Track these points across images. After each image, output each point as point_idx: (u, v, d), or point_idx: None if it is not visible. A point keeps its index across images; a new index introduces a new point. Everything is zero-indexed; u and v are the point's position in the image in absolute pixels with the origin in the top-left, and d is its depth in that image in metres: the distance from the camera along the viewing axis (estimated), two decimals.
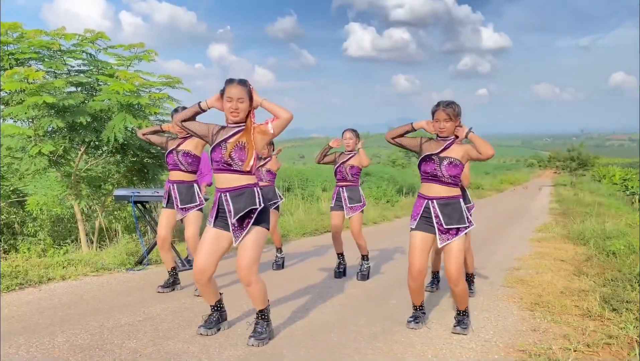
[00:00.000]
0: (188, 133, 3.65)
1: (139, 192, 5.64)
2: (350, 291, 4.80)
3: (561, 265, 6.10)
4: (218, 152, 3.21)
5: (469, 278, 4.73)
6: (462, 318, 3.64)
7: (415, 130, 3.58)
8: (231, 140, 3.20)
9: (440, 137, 3.52)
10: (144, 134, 4.66)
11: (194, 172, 4.53)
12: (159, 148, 5.52)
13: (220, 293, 3.57)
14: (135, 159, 6.80)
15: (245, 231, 3.21)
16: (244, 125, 3.24)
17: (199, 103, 3.29)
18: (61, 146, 5.93)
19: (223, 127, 3.29)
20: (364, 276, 5.29)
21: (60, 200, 6.38)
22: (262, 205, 3.23)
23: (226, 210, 3.21)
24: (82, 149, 6.34)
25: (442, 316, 3.98)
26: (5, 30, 5.96)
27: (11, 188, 7.01)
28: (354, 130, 5.31)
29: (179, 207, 4.44)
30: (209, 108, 3.28)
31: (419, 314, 3.74)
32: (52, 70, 6.16)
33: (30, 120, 5.92)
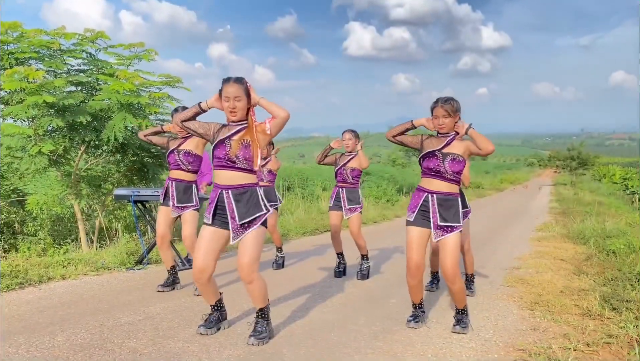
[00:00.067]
0: (189, 133, 3.65)
1: (139, 192, 5.64)
2: (350, 291, 4.81)
3: (561, 264, 6.10)
4: (222, 149, 3.22)
5: (469, 279, 4.74)
6: (461, 317, 3.64)
7: (416, 128, 3.59)
8: (235, 137, 3.21)
9: (440, 133, 3.52)
10: (145, 135, 4.68)
11: (195, 172, 4.55)
12: (159, 148, 5.52)
13: (220, 293, 3.57)
14: (135, 158, 6.80)
15: (247, 231, 3.22)
16: (245, 123, 3.25)
17: (199, 104, 3.29)
18: (61, 145, 5.93)
19: (224, 125, 3.30)
20: (364, 275, 5.29)
21: (60, 200, 6.38)
22: (269, 210, 3.27)
23: (227, 208, 3.22)
24: (82, 148, 6.35)
25: (442, 316, 3.98)
26: (5, 29, 5.96)
27: (11, 188, 7.01)
28: (353, 131, 5.30)
29: (175, 205, 4.45)
30: (209, 109, 3.28)
31: (418, 313, 3.74)
32: (52, 69, 6.16)
33: (30, 119, 5.92)
